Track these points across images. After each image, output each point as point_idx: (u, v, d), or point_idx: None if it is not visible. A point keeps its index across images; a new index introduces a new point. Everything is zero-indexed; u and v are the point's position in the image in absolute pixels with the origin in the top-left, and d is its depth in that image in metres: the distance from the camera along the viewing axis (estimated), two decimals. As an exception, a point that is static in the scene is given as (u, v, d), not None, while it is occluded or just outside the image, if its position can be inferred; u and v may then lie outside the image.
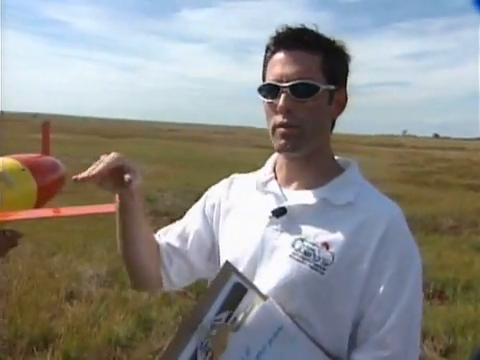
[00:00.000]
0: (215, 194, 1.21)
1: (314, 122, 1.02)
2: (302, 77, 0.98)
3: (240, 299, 0.97)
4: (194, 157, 18.19)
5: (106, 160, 1.00)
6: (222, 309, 0.96)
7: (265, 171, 1.15)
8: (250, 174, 1.20)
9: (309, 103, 1.00)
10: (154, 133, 42.80)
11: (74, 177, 0.99)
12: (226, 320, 0.95)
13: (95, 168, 0.99)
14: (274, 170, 1.14)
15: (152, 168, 13.01)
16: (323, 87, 1.00)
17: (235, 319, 0.95)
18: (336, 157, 1.12)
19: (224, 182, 1.22)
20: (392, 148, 43.25)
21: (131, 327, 3.59)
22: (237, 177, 1.22)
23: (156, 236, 1.22)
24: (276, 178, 1.12)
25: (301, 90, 0.99)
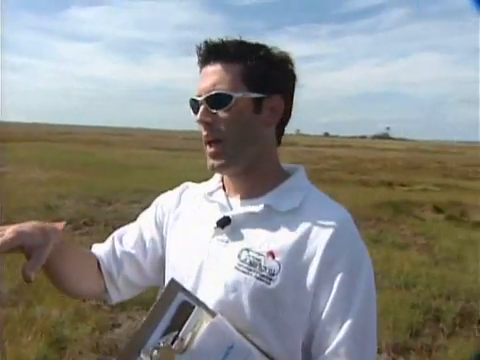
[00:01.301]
0: (165, 202, 1.17)
1: (237, 133, 0.99)
2: (215, 88, 0.97)
3: (187, 318, 0.90)
4: (93, 161, 17.40)
5: None
6: (168, 330, 0.89)
7: (213, 181, 1.14)
8: (202, 184, 1.18)
9: (226, 113, 0.98)
10: (46, 136, 40.25)
11: None
12: (172, 342, 0.88)
13: None
14: (222, 180, 1.12)
15: (49, 174, 12.25)
16: (237, 95, 0.97)
17: (182, 340, 0.88)
18: (283, 164, 1.09)
19: (176, 190, 1.19)
20: (287, 147, 45.08)
21: (42, 349, 3.35)
22: (189, 186, 1.19)
23: (109, 241, 1.14)
24: (224, 188, 1.10)
25: (215, 101, 0.98)
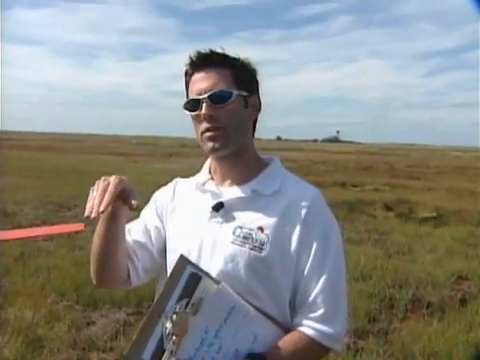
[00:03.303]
0: (162, 196, 1.34)
1: (235, 123, 1.18)
2: (217, 87, 1.16)
3: (196, 287, 1.09)
4: (48, 167, 17.02)
5: (111, 189, 1.06)
6: (181, 298, 1.09)
7: (203, 173, 1.31)
8: (191, 178, 1.35)
9: (226, 107, 1.17)
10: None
11: (88, 216, 1.03)
12: (185, 307, 1.08)
13: (101, 200, 1.04)
14: (210, 172, 1.30)
15: (2, 180, 11.90)
16: (235, 92, 1.17)
17: (193, 305, 1.09)
18: (260, 155, 1.29)
19: (169, 185, 1.36)
20: (242, 151, 45.23)
21: (20, 348, 3.40)
22: (180, 181, 1.37)
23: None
24: (212, 179, 1.28)
25: (218, 97, 1.16)
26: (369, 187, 15.03)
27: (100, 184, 1.08)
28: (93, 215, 1.03)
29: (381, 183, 16.15)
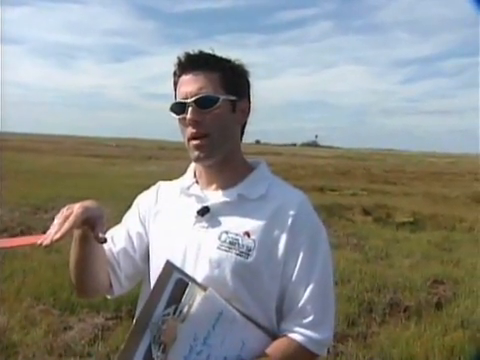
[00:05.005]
0: (145, 200, 1.31)
1: (221, 129, 1.15)
2: (203, 92, 1.13)
3: (183, 293, 1.09)
4: (24, 168, 16.69)
5: (71, 219, 1.01)
6: (168, 304, 1.07)
7: (187, 177, 1.28)
8: (174, 181, 1.32)
9: (212, 112, 1.14)
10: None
11: (40, 243, 0.98)
12: (173, 314, 1.07)
13: (59, 229, 1.00)
14: (195, 175, 1.27)
15: (-23, 181, 11.65)
16: (222, 97, 1.14)
17: (181, 312, 1.07)
18: (248, 160, 1.27)
19: (152, 189, 1.33)
20: (221, 154, 45.14)
21: (-7, 354, 3.33)
22: (162, 184, 1.33)
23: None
24: (197, 183, 1.25)
25: (204, 102, 1.13)
26: (347, 192, 15.18)
27: (63, 212, 1.03)
28: (45, 243, 0.98)
29: (359, 188, 16.34)
